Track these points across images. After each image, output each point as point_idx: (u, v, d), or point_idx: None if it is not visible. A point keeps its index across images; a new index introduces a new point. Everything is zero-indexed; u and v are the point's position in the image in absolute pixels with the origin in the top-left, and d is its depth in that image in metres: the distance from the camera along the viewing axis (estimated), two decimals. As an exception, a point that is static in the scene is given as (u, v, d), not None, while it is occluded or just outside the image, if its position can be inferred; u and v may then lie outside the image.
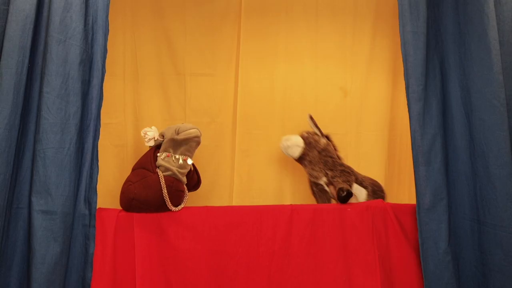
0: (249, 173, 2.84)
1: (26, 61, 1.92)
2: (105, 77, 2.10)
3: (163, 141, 2.32)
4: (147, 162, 2.29)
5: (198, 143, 2.34)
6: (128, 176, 2.29)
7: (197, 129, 2.32)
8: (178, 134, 2.27)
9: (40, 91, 1.94)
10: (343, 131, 2.87)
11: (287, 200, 2.83)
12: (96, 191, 2.02)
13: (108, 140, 2.66)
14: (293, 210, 2.26)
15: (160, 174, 2.21)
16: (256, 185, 2.85)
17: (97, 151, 2.05)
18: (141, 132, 2.36)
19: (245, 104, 2.83)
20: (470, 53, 2.15)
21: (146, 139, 2.33)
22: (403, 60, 2.18)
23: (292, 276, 2.18)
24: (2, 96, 1.84)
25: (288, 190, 2.87)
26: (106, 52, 2.09)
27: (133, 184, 2.20)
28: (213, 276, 2.15)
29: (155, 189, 2.17)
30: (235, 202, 2.78)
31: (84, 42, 2.03)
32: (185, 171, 2.29)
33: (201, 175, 2.49)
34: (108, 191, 2.48)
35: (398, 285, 2.22)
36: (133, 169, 2.33)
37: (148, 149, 2.40)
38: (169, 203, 2.19)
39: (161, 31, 2.81)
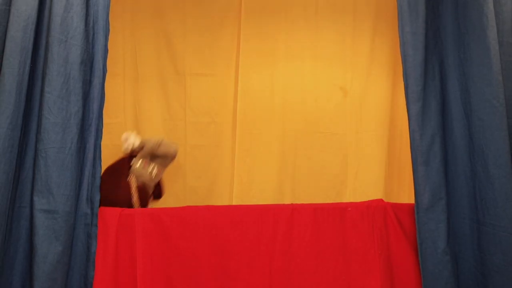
0: (249, 173, 2.85)
1: (28, 61, 1.93)
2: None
3: (140, 149, 2.39)
4: (122, 167, 2.38)
5: (174, 159, 2.43)
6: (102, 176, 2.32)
7: (177, 146, 2.42)
8: (159, 147, 2.35)
9: (42, 91, 1.95)
10: (343, 131, 2.87)
11: (287, 200, 2.83)
12: (98, 190, 2.02)
13: (108, 140, 2.66)
14: (293, 209, 2.26)
15: (133, 180, 2.31)
16: (256, 185, 2.85)
17: (100, 150, 2.05)
18: (123, 136, 2.43)
19: (245, 104, 2.84)
20: (469, 54, 2.15)
21: (125, 145, 2.40)
22: (402, 61, 2.18)
23: (293, 275, 2.19)
24: (4, 96, 1.85)
25: (288, 190, 2.87)
26: (107, 52, 2.10)
27: (104, 182, 2.20)
28: (214, 275, 2.15)
29: (124, 194, 2.28)
30: (235, 202, 2.78)
31: (85, 42, 2.03)
32: (156, 180, 2.40)
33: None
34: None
35: (398, 284, 2.22)
36: (107, 171, 2.34)
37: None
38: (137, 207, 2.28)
39: (161, 31, 2.81)
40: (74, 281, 1.97)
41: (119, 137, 2.73)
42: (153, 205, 2.48)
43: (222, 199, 2.81)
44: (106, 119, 2.07)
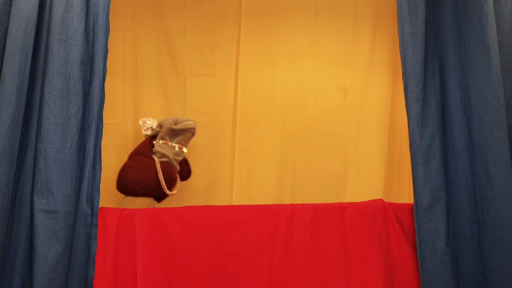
0: (249, 173, 2.84)
1: (29, 61, 1.92)
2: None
3: (159, 131, 2.50)
4: (144, 149, 2.47)
5: (193, 134, 2.55)
6: (126, 162, 2.44)
7: (194, 121, 2.54)
8: (176, 124, 2.47)
9: (42, 91, 1.95)
10: (343, 131, 2.87)
11: (287, 200, 2.83)
12: (99, 190, 2.02)
13: (108, 140, 2.66)
14: (293, 209, 2.27)
15: (156, 159, 2.40)
16: (256, 185, 2.85)
17: (100, 150, 2.05)
18: (140, 121, 2.55)
19: (245, 104, 2.84)
20: (469, 53, 2.15)
21: (144, 128, 2.52)
22: (401, 61, 2.18)
23: (293, 275, 2.19)
24: (5, 96, 1.85)
25: (288, 190, 2.87)
26: (107, 52, 2.10)
27: (130, 168, 2.37)
28: (214, 275, 2.15)
29: (151, 173, 2.36)
30: (235, 202, 2.78)
31: (85, 42, 2.03)
32: (180, 158, 2.49)
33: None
34: (108, 191, 2.49)
35: (398, 284, 2.22)
36: (130, 156, 2.48)
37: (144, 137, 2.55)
38: (165, 186, 2.36)
39: (161, 31, 2.81)
40: (74, 282, 1.97)
41: (119, 137, 2.73)
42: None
43: (222, 199, 2.81)
44: (106, 119, 2.07)
